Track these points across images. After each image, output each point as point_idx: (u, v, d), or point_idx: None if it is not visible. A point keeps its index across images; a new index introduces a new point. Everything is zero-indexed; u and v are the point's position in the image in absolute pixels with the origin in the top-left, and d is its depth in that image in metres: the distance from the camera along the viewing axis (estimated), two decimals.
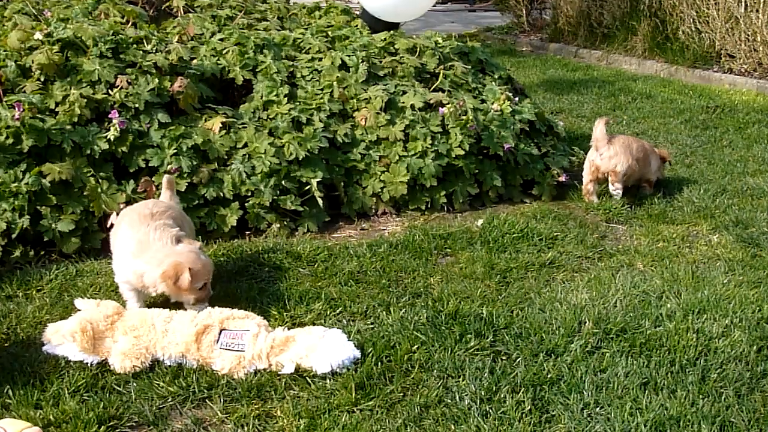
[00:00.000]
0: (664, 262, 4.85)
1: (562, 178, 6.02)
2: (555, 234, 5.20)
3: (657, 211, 5.67)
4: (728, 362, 3.71)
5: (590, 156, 5.85)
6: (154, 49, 5.51)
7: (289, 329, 3.71)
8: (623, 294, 4.36)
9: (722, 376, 3.60)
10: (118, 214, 4.47)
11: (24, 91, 5.02)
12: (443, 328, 3.93)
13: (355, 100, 5.76)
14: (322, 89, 5.74)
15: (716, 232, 5.35)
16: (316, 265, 4.67)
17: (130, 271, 3.90)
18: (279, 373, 3.53)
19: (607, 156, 5.75)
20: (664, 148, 7.25)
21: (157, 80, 5.23)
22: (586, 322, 3.99)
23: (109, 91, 5.12)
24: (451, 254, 4.93)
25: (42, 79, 5.11)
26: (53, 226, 4.66)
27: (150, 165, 4.99)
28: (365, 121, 5.64)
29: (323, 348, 3.54)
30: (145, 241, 3.92)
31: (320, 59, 6.01)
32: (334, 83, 5.77)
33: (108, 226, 4.57)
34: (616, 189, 5.79)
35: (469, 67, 6.52)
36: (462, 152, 5.65)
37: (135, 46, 5.46)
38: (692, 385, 3.52)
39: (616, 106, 9.00)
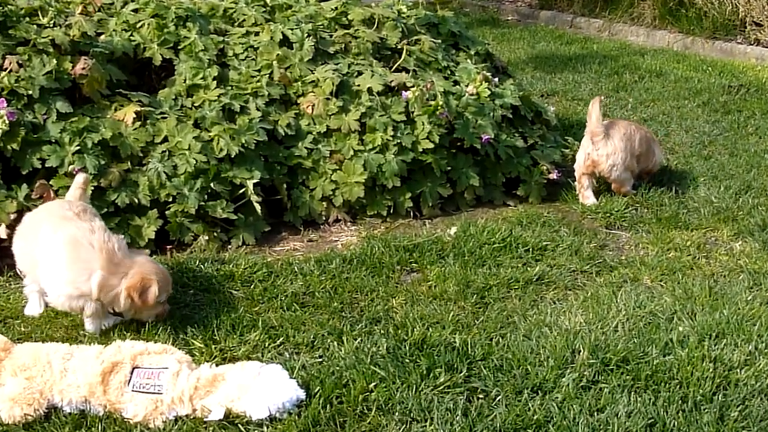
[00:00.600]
0: (675, 275, 4.88)
1: (553, 176, 6.04)
2: (544, 243, 5.22)
3: (668, 214, 5.70)
4: (751, 397, 3.73)
5: (585, 145, 5.90)
6: (52, 22, 5.46)
7: (217, 365, 3.68)
8: (626, 315, 4.37)
9: (744, 414, 3.62)
10: (8, 227, 4.44)
11: None
12: (407, 360, 3.92)
13: (299, 84, 5.75)
14: (259, 70, 5.73)
15: (739, 238, 5.40)
16: (252, 286, 4.65)
17: (93, 285, 3.95)
18: (205, 419, 3.49)
19: (604, 153, 5.82)
20: (677, 136, 7.33)
21: (55, 61, 5.17)
22: (580, 351, 4.00)
23: None
24: (417, 270, 4.94)
25: None
26: None
27: (47, 165, 4.94)
28: (312, 109, 5.63)
29: (259, 388, 3.52)
30: (101, 248, 3.99)
31: (257, 33, 5.99)
32: (274, 63, 5.75)
33: None
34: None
35: (440, 41, 6.53)
36: (431, 145, 5.65)
37: (27, 19, 5.41)
38: (708, 425, 3.53)
39: (619, 87, 9.04)
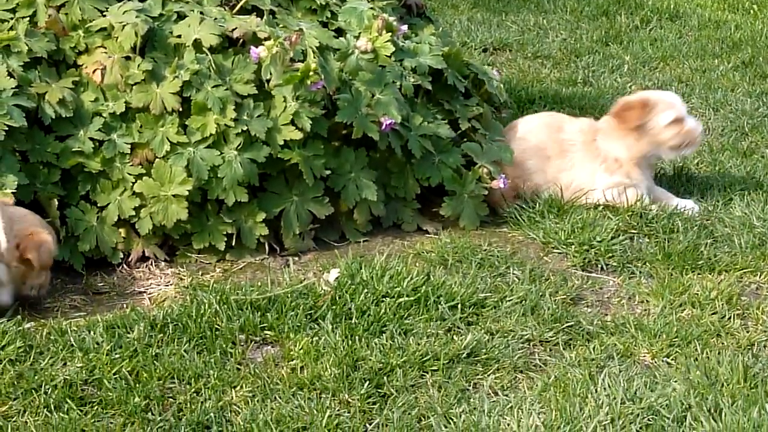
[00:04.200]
0: (692, 347, 4.93)
1: (500, 184, 6.10)
2: (482, 296, 5.25)
3: (682, 247, 5.76)
4: None
5: None
6: None
7: None
8: (610, 414, 4.39)
9: None
10: None
11: None
12: None
13: (81, 33, 5.75)
14: (13, 10, 5.73)
15: None
16: None
17: None
18: None
19: None
20: (701, 118, 7.41)
21: None
22: None
23: None
24: (274, 342, 4.96)
25: None
26: None
27: None
28: (102, 76, 5.63)
29: None
30: None
31: None
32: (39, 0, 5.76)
33: None
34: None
35: None
36: (298, 135, 5.68)
37: None
38: None
39: (610, 36, 9.20)
